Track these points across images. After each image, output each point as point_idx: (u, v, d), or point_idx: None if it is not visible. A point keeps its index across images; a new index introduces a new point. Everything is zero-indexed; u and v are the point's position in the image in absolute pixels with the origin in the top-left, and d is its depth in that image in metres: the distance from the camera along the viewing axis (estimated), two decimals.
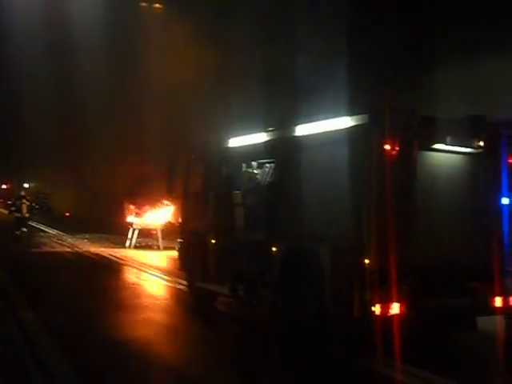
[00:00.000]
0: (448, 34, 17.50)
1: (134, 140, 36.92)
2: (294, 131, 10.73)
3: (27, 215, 28.75)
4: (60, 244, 29.82)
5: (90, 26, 30.07)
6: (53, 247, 28.18)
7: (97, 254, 25.09)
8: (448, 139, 9.46)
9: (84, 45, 31.53)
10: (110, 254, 24.88)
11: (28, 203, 28.97)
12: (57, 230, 38.04)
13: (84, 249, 27.26)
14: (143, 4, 33.73)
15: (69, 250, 27.10)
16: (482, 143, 9.76)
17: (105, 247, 27.84)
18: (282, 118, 13.00)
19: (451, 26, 17.44)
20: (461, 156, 9.90)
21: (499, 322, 10.14)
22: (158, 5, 34.41)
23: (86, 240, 31.45)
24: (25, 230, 28.54)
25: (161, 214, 27.70)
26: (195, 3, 29.46)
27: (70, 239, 32.00)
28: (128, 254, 25.42)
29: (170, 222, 26.39)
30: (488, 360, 9.74)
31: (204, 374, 8.59)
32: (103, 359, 9.14)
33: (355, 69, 19.49)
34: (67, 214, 45.10)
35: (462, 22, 16.89)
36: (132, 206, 27.88)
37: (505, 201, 10.04)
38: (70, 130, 42.30)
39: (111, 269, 20.94)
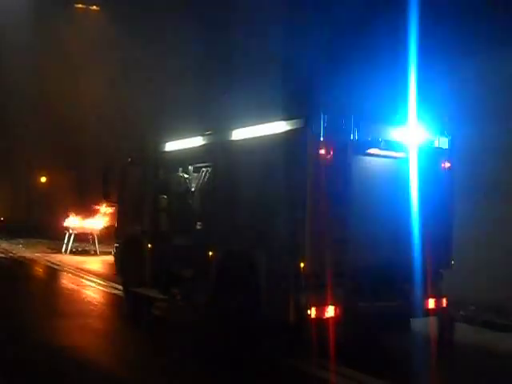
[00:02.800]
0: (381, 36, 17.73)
1: (70, 143, 36.36)
2: (230, 135, 10.73)
3: None
4: None
5: (19, 26, 29.51)
6: None
7: (32, 260, 24.63)
8: (381, 143, 9.59)
9: (14, 46, 30.88)
10: (46, 260, 24.46)
11: None
12: None
13: (19, 254, 26.71)
14: (79, 5, 33.20)
15: (2, 255, 26.51)
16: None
17: (40, 252, 27.35)
18: (218, 122, 12.95)
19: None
20: (394, 160, 10.03)
21: (432, 323, 10.33)
22: (94, 7, 33.88)
23: (20, 245, 30.82)
24: None
25: (98, 219, 27.45)
26: (133, 5, 29.20)
27: (3, 244, 31.22)
28: (64, 259, 25.03)
29: (106, 227, 26.16)
30: (421, 360, 9.90)
31: (141, 380, 8.52)
32: (37, 365, 8.93)
33: (290, 73, 19.60)
34: (1, 219, 44.08)
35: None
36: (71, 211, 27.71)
37: (437, 204, 10.23)
38: None
39: (46, 274, 20.62)
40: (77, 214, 27.93)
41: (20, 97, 35.26)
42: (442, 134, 10.49)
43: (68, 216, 27.77)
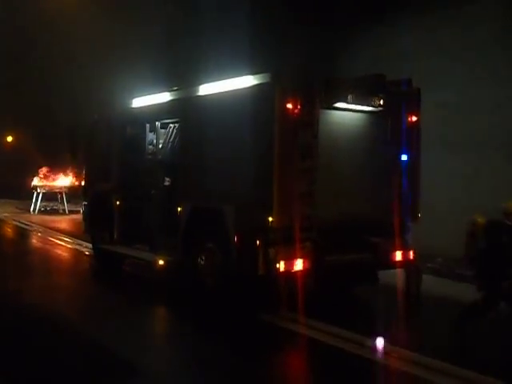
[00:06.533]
0: None
1: (36, 101, 35.90)
2: (197, 91, 10.64)
3: None
4: None
5: None
6: None
7: (0, 220, 24.44)
8: (349, 98, 9.59)
9: None
10: (14, 219, 24.30)
11: None
12: None
13: None
14: None
15: None
16: (382, 101, 9.94)
17: (8, 212, 27.15)
18: (185, 78, 12.86)
19: None
20: (362, 114, 10.06)
21: (399, 275, 10.47)
22: None
23: None
24: None
25: (66, 177, 27.30)
26: None
27: None
28: (33, 218, 24.91)
29: (75, 185, 26.04)
30: (388, 311, 10.06)
31: (113, 335, 8.53)
32: (6, 323, 8.92)
33: (258, 29, 19.46)
34: None
35: None
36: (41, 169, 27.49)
37: (404, 157, 10.31)
38: None
39: (15, 234, 20.51)
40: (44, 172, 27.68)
41: None
42: (409, 88, 10.53)
43: (37, 175, 27.57)
